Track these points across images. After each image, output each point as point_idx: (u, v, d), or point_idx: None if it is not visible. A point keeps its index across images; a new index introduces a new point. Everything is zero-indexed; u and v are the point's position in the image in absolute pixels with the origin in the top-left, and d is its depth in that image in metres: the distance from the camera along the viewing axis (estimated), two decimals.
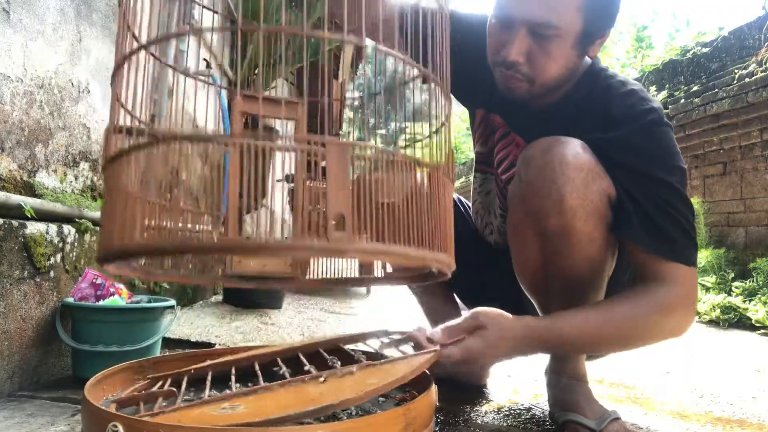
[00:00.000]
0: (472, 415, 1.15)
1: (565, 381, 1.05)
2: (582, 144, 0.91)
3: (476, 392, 1.33)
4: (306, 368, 0.87)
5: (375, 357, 0.94)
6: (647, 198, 0.89)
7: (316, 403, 0.65)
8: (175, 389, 0.81)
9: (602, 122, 0.95)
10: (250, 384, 0.89)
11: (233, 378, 0.88)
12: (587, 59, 1.02)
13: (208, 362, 0.98)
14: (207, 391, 0.82)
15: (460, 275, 1.09)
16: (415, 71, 0.64)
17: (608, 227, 0.92)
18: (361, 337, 1.07)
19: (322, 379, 0.78)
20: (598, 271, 0.94)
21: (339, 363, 0.91)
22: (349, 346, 1.06)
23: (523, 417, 1.15)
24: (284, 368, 0.90)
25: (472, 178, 1.28)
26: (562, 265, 0.93)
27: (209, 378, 0.89)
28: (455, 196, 1.27)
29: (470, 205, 1.32)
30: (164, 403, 0.77)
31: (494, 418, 1.13)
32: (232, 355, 1.06)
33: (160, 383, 0.88)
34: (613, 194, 0.91)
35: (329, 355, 0.97)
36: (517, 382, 1.47)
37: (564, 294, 0.96)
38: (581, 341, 0.91)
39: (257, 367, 0.92)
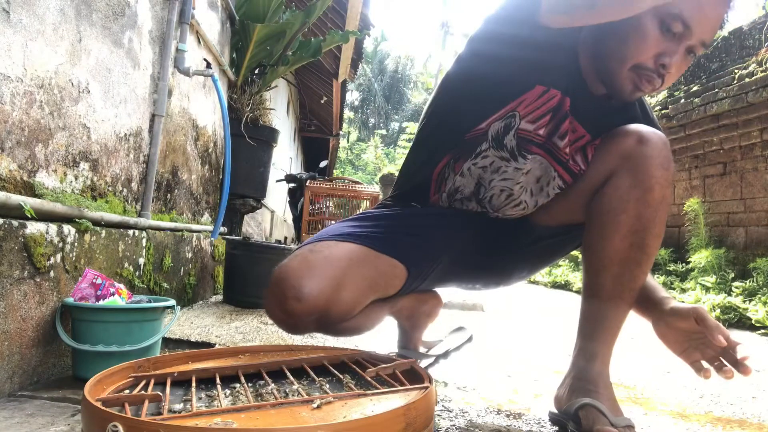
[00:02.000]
0: (472, 415, 1.15)
1: (597, 368, 1.05)
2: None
3: (476, 392, 1.33)
4: (295, 387, 0.88)
5: (366, 383, 0.92)
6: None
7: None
8: (160, 393, 0.80)
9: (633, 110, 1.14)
10: (236, 387, 0.90)
11: (219, 386, 0.88)
12: None
13: (192, 367, 0.97)
14: (194, 399, 0.82)
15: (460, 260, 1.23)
16: None
17: None
18: (349, 357, 1.06)
19: (315, 404, 0.77)
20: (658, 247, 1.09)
21: (327, 385, 0.91)
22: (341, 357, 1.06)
23: (524, 417, 1.15)
24: (271, 384, 0.90)
25: (473, 159, 1.17)
26: (651, 232, 1.03)
27: (194, 383, 0.89)
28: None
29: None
30: (165, 406, 0.77)
31: (494, 418, 1.13)
32: (227, 358, 1.06)
33: (143, 383, 0.88)
34: None
35: (317, 374, 0.96)
36: (517, 382, 1.47)
37: (639, 261, 1.04)
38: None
39: (242, 379, 0.92)
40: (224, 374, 0.95)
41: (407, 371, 0.97)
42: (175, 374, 0.93)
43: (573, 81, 1.08)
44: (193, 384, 0.89)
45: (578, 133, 1.12)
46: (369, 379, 0.92)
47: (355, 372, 0.99)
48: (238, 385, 0.91)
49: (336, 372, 0.98)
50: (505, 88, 1.10)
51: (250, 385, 0.92)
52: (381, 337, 1.99)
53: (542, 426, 1.10)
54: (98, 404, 0.70)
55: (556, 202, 1.17)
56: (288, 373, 0.96)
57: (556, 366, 1.72)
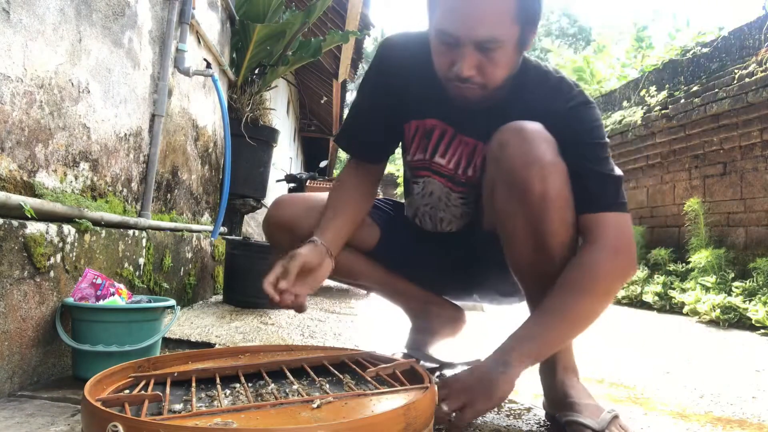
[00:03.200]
0: None
1: (559, 378, 1.08)
2: (539, 123, 1.03)
3: None
4: (295, 387, 0.89)
5: (366, 383, 0.93)
6: (585, 161, 1.02)
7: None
8: (160, 393, 0.81)
9: (544, 111, 1.06)
10: (236, 387, 0.90)
11: (218, 386, 0.89)
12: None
13: (192, 367, 0.98)
14: (194, 399, 0.82)
15: (419, 272, 1.38)
16: None
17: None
18: (349, 357, 1.07)
19: (315, 404, 0.77)
20: (573, 237, 1.04)
21: (327, 385, 0.92)
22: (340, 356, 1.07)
23: (524, 417, 1.16)
24: (271, 384, 0.91)
25: (403, 188, 1.38)
26: (545, 231, 1.01)
27: (194, 383, 0.89)
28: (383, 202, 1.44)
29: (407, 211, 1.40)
30: (167, 406, 0.78)
31: (494, 418, 1.13)
32: (227, 358, 1.06)
33: (143, 383, 0.89)
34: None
35: (317, 374, 0.97)
36: (517, 382, 1.47)
37: (548, 263, 1.03)
38: (565, 334, 1.00)
39: (242, 379, 0.92)
40: (224, 374, 0.95)
41: (407, 371, 0.97)
42: (175, 374, 0.93)
43: (445, 104, 1.13)
44: (193, 384, 0.89)
45: (470, 144, 1.18)
46: (369, 379, 0.93)
47: (355, 372, 0.99)
48: (238, 385, 0.92)
49: (336, 372, 0.98)
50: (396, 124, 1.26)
51: (250, 385, 0.92)
52: (380, 339, 1.99)
53: (542, 426, 1.10)
54: (98, 404, 0.70)
55: (487, 207, 1.21)
56: (288, 373, 0.96)
57: None
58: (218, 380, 0.91)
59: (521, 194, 1.00)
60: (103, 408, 0.70)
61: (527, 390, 1.38)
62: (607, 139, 1.09)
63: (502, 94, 1.09)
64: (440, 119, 1.19)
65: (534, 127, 1.02)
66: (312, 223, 1.20)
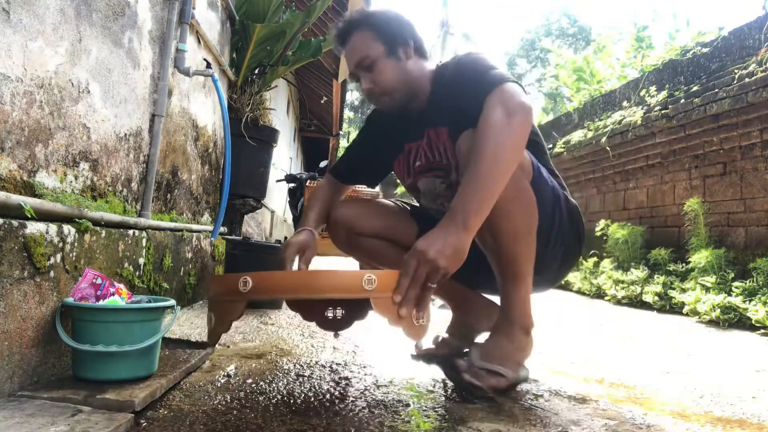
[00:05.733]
0: (471, 415, 1.15)
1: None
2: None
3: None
4: None
5: None
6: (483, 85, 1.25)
7: None
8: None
9: (454, 84, 1.36)
10: None
11: None
12: (431, 65, 1.47)
13: None
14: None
15: None
16: None
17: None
18: None
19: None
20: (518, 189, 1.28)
21: None
22: None
23: (524, 417, 1.16)
24: None
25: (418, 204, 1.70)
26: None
27: None
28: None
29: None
30: None
31: (494, 418, 1.13)
32: None
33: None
34: None
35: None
36: None
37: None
38: (483, 193, 1.14)
39: None
40: None
41: None
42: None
43: (407, 128, 1.50)
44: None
45: (427, 138, 1.47)
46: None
47: None
48: None
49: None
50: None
51: None
52: (380, 339, 1.99)
53: (543, 427, 1.10)
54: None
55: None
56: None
57: (556, 366, 1.72)
58: None
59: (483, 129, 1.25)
60: (231, 274, 0.95)
61: (527, 390, 1.38)
62: (485, 60, 1.34)
63: (423, 95, 1.44)
64: (409, 141, 1.53)
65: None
66: (365, 223, 1.57)
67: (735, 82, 3.67)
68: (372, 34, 1.39)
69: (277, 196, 8.10)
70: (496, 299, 1.49)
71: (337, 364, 1.57)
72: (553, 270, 1.47)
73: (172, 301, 1.31)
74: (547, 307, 3.38)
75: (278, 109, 6.77)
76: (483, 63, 1.32)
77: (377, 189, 3.98)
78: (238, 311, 1.10)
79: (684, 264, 3.93)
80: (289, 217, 6.65)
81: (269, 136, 3.38)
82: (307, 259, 1.47)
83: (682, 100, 4.18)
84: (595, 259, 5.05)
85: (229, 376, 1.37)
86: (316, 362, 1.58)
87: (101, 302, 1.20)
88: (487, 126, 1.15)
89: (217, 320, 1.14)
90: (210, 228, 2.63)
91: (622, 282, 4.19)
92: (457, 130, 1.29)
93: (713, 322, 2.97)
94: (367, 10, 1.48)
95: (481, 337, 1.48)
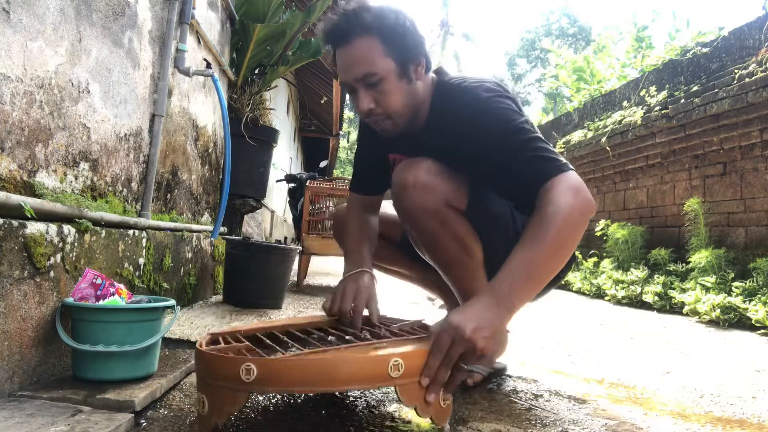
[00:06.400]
0: (471, 415, 1.15)
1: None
2: (427, 165, 1.26)
3: (476, 391, 1.33)
4: (347, 337, 1.11)
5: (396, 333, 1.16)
6: (512, 152, 1.14)
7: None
8: (252, 346, 1.03)
9: (463, 124, 1.21)
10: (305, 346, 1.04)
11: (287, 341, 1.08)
12: (432, 77, 1.30)
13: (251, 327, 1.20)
14: (282, 347, 1.02)
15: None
16: None
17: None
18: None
19: (381, 343, 1.03)
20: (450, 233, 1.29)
21: (368, 333, 1.14)
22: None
23: (524, 417, 1.16)
24: (331, 336, 1.14)
25: None
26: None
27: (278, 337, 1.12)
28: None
29: None
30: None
31: (494, 418, 1.13)
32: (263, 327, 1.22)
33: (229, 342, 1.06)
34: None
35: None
36: (517, 382, 1.47)
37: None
38: (534, 280, 1.04)
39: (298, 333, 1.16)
40: (283, 331, 1.17)
41: (420, 326, 1.21)
42: (242, 331, 1.14)
43: (399, 140, 1.34)
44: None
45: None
46: (397, 330, 1.16)
47: (380, 327, 1.21)
48: (292, 341, 1.09)
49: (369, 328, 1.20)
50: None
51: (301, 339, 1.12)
52: None
53: (543, 427, 1.10)
54: (224, 353, 0.90)
55: None
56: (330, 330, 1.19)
57: (556, 366, 1.72)
58: (283, 337, 1.11)
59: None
60: (231, 355, 0.86)
61: (527, 390, 1.38)
62: (524, 117, 1.19)
63: (420, 120, 1.28)
64: (399, 153, 1.42)
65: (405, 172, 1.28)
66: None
67: (735, 82, 3.67)
68: (382, 47, 1.17)
69: (277, 196, 8.09)
70: None
71: None
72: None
73: (172, 301, 1.31)
74: (547, 307, 3.38)
75: (278, 109, 6.77)
76: (512, 119, 1.16)
77: None
78: (239, 402, 0.87)
79: (684, 264, 3.93)
80: (289, 217, 6.65)
81: (269, 136, 3.38)
82: (374, 311, 1.29)
83: (682, 100, 4.18)
84: (595, 259, 5.05)
85: None
86: None
87: (101, 302, 1.20)
88: (562, 217, 1.03)
89: (212, 408, 0.90)
90: (210, 228, 2.63)
91: (622, 282, 4.19)
92: (446, 163, 1.27)
93: (713, 322, 2.97)
94: (373, 7, 1.21)
95: None
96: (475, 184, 1.31)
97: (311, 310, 2.51)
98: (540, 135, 1.18)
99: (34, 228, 1.11)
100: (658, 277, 3.89)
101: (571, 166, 1.12)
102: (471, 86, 1.23)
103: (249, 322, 2.08)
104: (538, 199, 1.07)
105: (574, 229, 1.05)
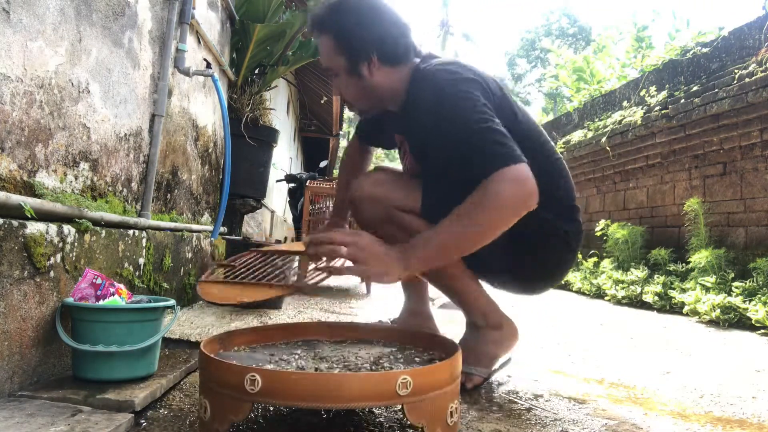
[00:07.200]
0: (472, 415, 1.15)
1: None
2: (375, 178, 1.42)
3: (476, 392, 1.33)
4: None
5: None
6: (462, 144, 1.17)
7: None
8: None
9: (424, 112, 1.26)
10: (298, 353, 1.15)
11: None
12: (413, 63, 1.34)
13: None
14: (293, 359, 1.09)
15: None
16: None
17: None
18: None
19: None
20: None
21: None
22: None
23: (524, 417, 1.16)
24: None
25: None
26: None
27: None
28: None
29: None
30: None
31: (494, 418, 1.13)
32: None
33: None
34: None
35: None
36: (517, 382, 1.47)
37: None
38: (442, 252, 1.16)
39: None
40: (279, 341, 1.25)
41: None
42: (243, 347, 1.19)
43: (393, 120, 1.47)
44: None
45: (399, 139, 1.54)
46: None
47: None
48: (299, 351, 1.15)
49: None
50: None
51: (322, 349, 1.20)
52: None
53: (543, 427, 1.10)
54: (230, 361, 0.92)
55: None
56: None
57: (556, 366, 1.72)
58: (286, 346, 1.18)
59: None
60: (237, 364, 0.87)
61: (527, 390, 1.38)
62: (480, 102, 1.18)
63: (399, 100, 1.35)
64: (396, 132, 1.53)
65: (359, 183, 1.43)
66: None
67: (735, 82, 3.67)
68: (334, 44, 1.28)
69: (277, 196, 8.10)
70: (495, 296, 1.49)
71: None
72: (534, 276, 1.46)
73: (172, 301, 1.31)
74: (547, 307, 3.38)
75: (278, 109, 6.77)
76: (464, 108, 1.18)
77: None
78: (243, 412, 0.87)
79: (684, 264, 3.93)
80: (289, 217, 6.65)
81: (269, 136, 3.38)
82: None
83: (682, 100, 4.18)
84: (595, 259, 5.05)
85: None
86: None
87: (101, 302, 1.20)
88: (493, 203, 1.09)
89: (214, 414, 0.89)
90: (210, 228, 2.63)
91: (622, 282, 4.19)
92: (419, 152, 1.39)
93: (713, 322, 2.97)
94: (337, 4, 1.29)
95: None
96: (432, 182, 1.36)
97: (311, 310, 2.51)
98: (494, 121, 1.16)
99: (34, 228, 1.11)
100: (658, 277, 3.89)
101: (521, 158, 1.11)
102: (432, 71, 1.25)
103: (249, 322, 2.08)
104: (477, 188, 1.12)
105: (502, 221, 1.12)
